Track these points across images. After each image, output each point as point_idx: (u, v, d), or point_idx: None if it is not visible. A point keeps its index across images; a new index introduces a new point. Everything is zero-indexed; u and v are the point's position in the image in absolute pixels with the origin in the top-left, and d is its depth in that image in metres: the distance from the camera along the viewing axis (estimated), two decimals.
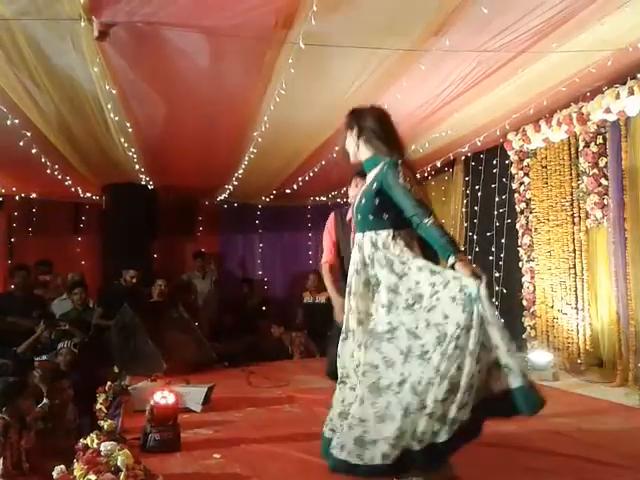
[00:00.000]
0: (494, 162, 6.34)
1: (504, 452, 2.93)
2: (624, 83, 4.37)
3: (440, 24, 3.45)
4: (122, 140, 5.29)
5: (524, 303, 5.79)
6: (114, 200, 7.56)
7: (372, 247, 2.54)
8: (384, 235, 2.53)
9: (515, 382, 2.26)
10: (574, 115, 4.89)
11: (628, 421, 3.51)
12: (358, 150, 2.68)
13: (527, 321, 5.74)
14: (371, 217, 2.56)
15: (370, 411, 2.36)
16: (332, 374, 3.19)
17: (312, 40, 3.42)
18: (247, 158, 6.03)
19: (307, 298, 7.80)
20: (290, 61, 3.70)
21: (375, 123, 2.64)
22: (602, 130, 4.80)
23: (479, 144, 6.00)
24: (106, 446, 2.48)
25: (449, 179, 7.29)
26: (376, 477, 2.35)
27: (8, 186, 7.23)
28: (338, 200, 8.22)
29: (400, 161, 2.54)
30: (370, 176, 2.65)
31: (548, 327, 5.49)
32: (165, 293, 6.46)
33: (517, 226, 5.91)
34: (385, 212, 2.53)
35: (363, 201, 2.60)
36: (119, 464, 2.33)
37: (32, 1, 3.02)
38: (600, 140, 4.83)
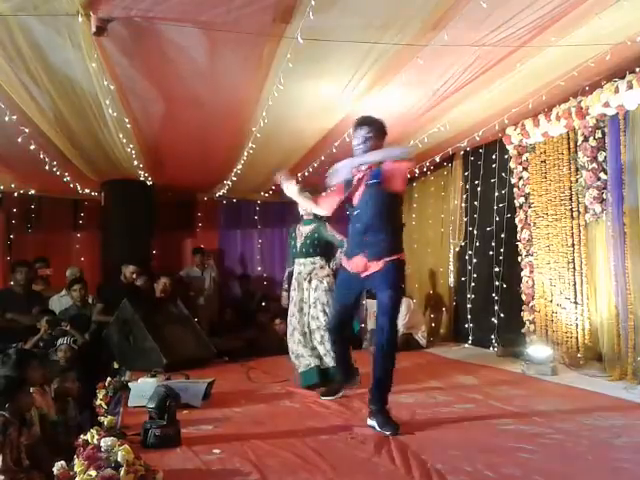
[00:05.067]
0: (493, 157, 6.35)
1: (501, 446, 2.93)
2: (623, 77, 4.36)
3: (438, 18, 3.45)
4: (120, 136, 5.28)
5: (523, 297, 5.79)
6: (113, 196, 7.56)
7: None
8: None
9: None
10: (573, 109, 4.89)
11: (627, 415, 3.51)
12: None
13: (526, 315, 5.74)
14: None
15: None
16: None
17: (311, 35, 3.41)
18: (246, 153, 6.02)
19: None
20: (288, 56, 3.69)
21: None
22: (601, 124, 4.79)
23: (478, 139, 6.00)
24: (106, 442, 2.48)
25: (448, 174, 7.30)
26: None
27: (7, 183, 7.22)
28: None
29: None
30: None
31: (547, 321, 5.49)
32: (168, 290, 6.47)
33: (516, 221, 5.92)
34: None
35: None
36: (119, 460, 2.34)
37: None
38: (599, 134, 4.82)
